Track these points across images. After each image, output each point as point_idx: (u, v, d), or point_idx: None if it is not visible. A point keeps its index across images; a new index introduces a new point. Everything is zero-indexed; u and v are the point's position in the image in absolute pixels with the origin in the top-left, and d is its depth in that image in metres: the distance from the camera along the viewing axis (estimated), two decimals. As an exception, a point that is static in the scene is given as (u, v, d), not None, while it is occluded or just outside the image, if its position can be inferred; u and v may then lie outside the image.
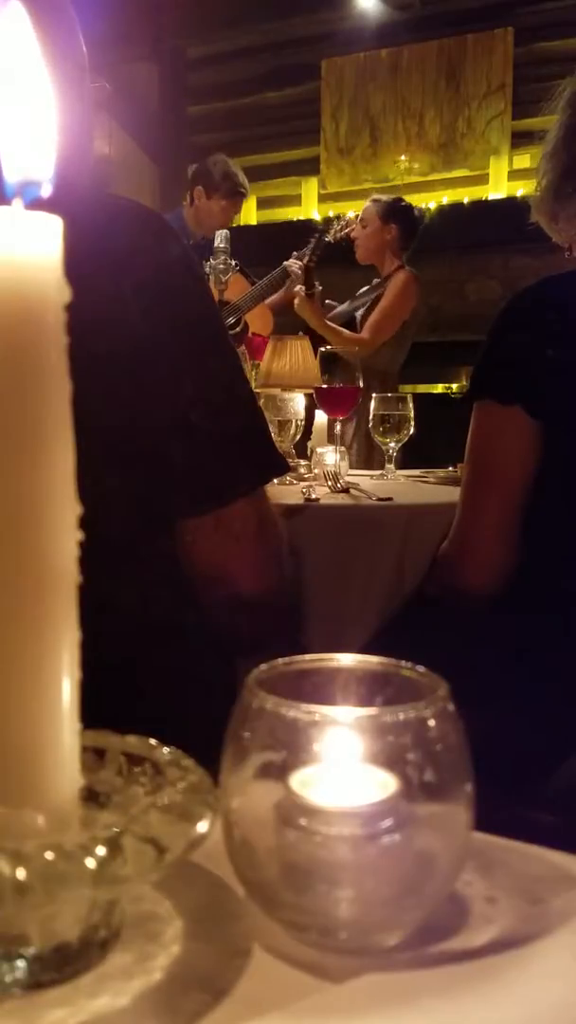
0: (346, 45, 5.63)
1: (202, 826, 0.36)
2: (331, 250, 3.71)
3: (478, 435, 1.21)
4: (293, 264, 3.64)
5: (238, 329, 3.47)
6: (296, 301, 3.30)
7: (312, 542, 1.50)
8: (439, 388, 5.24)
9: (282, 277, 3.68)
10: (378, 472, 2.21)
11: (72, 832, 0.36)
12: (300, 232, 3.92)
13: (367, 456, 3.10)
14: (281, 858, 0.38)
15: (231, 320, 3.45)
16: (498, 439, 1.20)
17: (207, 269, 2.71)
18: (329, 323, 3.37)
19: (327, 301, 3.80)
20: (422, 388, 5.00)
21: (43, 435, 0.35)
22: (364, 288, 3.70)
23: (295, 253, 3.71)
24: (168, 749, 0.41)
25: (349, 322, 3.60)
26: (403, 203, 3.64)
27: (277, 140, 6.01)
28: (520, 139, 5.30)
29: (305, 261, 3.35)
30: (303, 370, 2.21)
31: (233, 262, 2.80)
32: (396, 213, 3.55)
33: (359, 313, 3.57)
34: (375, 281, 3.63)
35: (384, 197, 3.72)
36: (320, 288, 3.33)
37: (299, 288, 3.30)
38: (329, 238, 3.79)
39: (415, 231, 3.60)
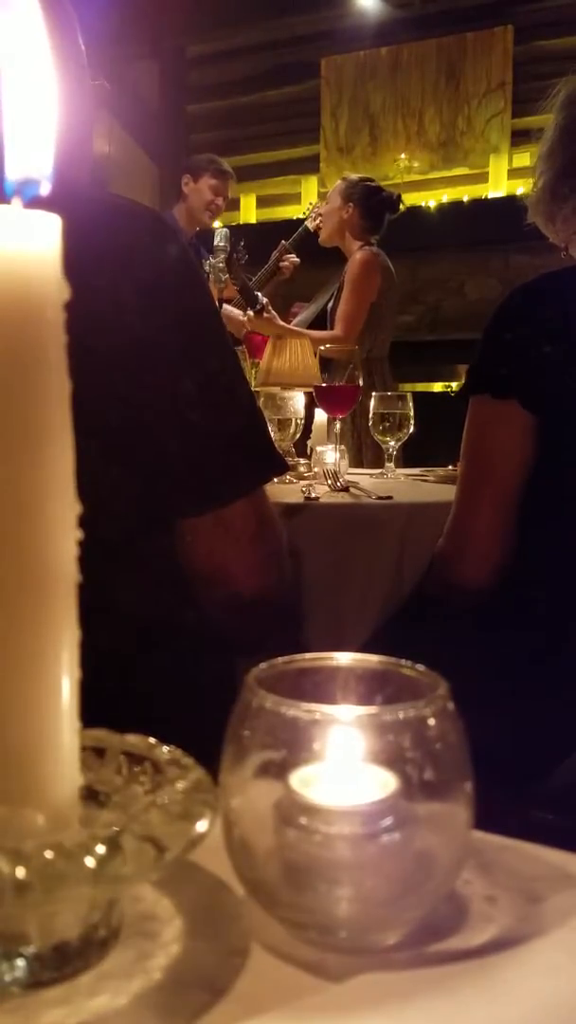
0: (346, 43, 5.62)
1: (202, 825, 0.36)
2: (312, 246, 3.62)
3: (474, 429, 1.22)
4: (289, 259, 3.60)
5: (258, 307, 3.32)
6: (247, 324, 3.12)
7: (312, 541, 1.50)
8: (438, 386, 5.24)
9: (273, 270, 3.65)
10: (378, 471, 2.21)
11: (72, 831, 0.36)
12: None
13: (358, 453, 3.04)
14: (281, 857, 0.38)
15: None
16: (494, 433, 1.20)
17: (206, 268, 2.71)
18: (293, 328, 3.22)
19: (296, 305, 3.70)
20: (421, 386, 4.99)
21: (42, 434, 0.35)
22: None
23: (283, 242, 3.68)
24: (168, 748, 0.41)
25: (319, 321, 3.46)
26: (370, 184, 3.44)
27: (277, 138, 6.00)
28: (520, 137, 5.29)
29: (232, 280, 3.01)
30: (303, 369, 2.21)
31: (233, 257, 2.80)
32: (357, 193, 3.37)
33: (330, 306, 3.42)
34: None
35: (355, 176, 3.55)
36: (265, 301, 3.12)
37: (249, 314, 3.11)
38: (308, 224, 3.73)
39: (379, 214, 3.39)
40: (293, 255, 3.64)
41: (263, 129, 5.99)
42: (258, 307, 3.03)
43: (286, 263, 3.62)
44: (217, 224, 3.82)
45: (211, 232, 3.22)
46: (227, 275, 2.72)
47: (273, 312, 3.14)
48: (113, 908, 0.37)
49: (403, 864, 0.38)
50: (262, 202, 6.11)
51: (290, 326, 3.25)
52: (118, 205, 0.91)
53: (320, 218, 3.55)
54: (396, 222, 3.53)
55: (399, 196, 3.52)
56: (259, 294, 3.10)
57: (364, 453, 3.03)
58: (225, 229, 3.04)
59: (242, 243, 2.99)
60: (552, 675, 1.13)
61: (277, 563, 0.96)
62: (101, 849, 0.33)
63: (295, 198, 6.05)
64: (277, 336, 2.33)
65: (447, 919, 0.40)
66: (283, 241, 3.68)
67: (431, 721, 0.37)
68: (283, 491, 1.70)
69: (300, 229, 3.74)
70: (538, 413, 1.16)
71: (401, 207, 3.51)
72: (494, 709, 0.97)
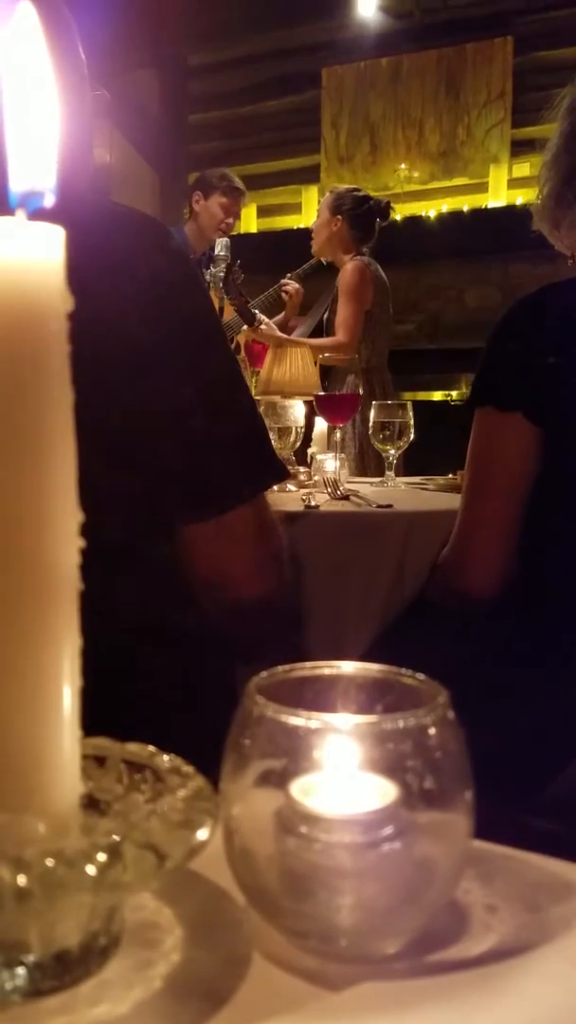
0: (346, 54, 5.64)
1: (202, 833, 0.36)
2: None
3: (479, 442, 1.22)
4: (288, 285, 3.62)
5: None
6: (246, 336, 3.17)
7: (312, 549, 1.50)
8: (438, 395, 5.24)
9: (276, 298, 3.65)
10: (378, 479, 2.21)
11: (72, 839, 0.36)
12: (301, 240, 3.90)
13: (361, 462, 3.05)
14: (281, 865, 0.38)
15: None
16: (499, 446, 1.20)
17: (207, 278, 2.72)
18: (293, 339, 3.25)
19: (292, 319, 3.71)
20: (422, 395, 5.00)
21: (45, 442, 0.35)
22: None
23: (289, 275, 3.68)
24: (168, 756, 0.41)
25: (316, 333, 3.48)
26: (358, 194, 3.46)
27: (277, 148, 6.02)
28: (520, 148, 5.31)
29: (228, 299, 2.99)
30: (303, 377, 2.21)
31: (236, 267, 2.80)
32: (344, 204, 3.40)
33: (325, 317, 3.46)
34: None
35: (342, 187, 3.57)
36: (261, 317, 3.13)
37: (245, 329, 3.13)
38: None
39: (368, 224, 3.42)
40: (292, 283, 3.64)
41: (264, 139, 6.01)
42: (255, 324, 3.05)
43: (288, 288, 3.61)
44: None
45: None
46: (224, 294, 2.71)
47: (272, 325, 3.15)
48: (114, 916, 0.37)
49: (403, 873, 0.38)
50: (263, 212, 6.13)
51: (290, 337, 3.27)
52: (120, 213, 0.91)
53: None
54: (396, 231, 3.54)
55: (388, 203, 3.52)
56: (256, 312, 3.11)
57: (367, 462, 3.04)
58: (226, 238, 3.04)
59: (238, 262, 3.00)
60: (553, 684, 1.13)
61: (278, 568, 0.97)
62: (102, 857, 0.33)
63: (296, 208, 6.06)
64: (277, 344, 2.33)
65: (447, 928, 0.40)
66: (288, 275, 3.68)
67: (431, 730, 0.37)
68: (283, 499, 1.70)
69: (311, 261, 3.73)
70: (543, 425, 1.16)
71: (392, 213, 3.51)
72: (495, 718, 0.97)
